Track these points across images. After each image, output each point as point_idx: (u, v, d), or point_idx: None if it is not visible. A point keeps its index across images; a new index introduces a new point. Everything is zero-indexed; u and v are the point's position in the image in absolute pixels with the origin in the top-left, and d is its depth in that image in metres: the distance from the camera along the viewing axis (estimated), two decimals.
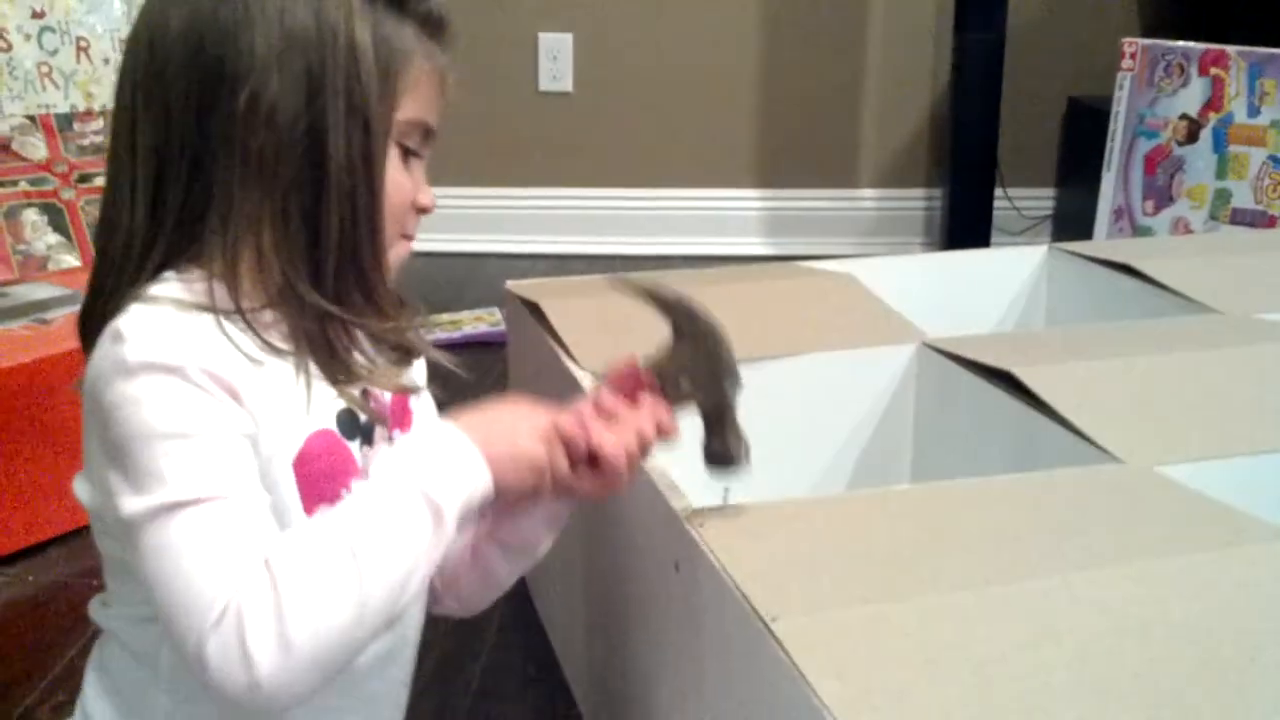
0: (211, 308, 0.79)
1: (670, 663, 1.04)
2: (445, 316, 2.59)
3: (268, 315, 0.81)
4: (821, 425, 1.46)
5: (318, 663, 0.72)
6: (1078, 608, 0.82)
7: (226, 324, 0.79)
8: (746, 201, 3.25)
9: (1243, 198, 2.46)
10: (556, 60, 3.18)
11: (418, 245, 3.08)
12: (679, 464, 1.08)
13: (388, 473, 0.78)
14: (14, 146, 2.23)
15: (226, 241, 0.80)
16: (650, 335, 1.46)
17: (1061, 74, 3.13)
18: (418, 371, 0.93)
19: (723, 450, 0.95)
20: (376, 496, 0.77)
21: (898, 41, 3.17)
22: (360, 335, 0.86)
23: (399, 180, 0.85)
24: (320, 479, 0.82)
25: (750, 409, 1.44)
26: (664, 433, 0.91)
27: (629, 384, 0.92)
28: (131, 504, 0.73)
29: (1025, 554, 0.91)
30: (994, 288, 1.81)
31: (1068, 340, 1.49)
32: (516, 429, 0.84)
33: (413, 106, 0.85)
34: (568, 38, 3.17)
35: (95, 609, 0.89)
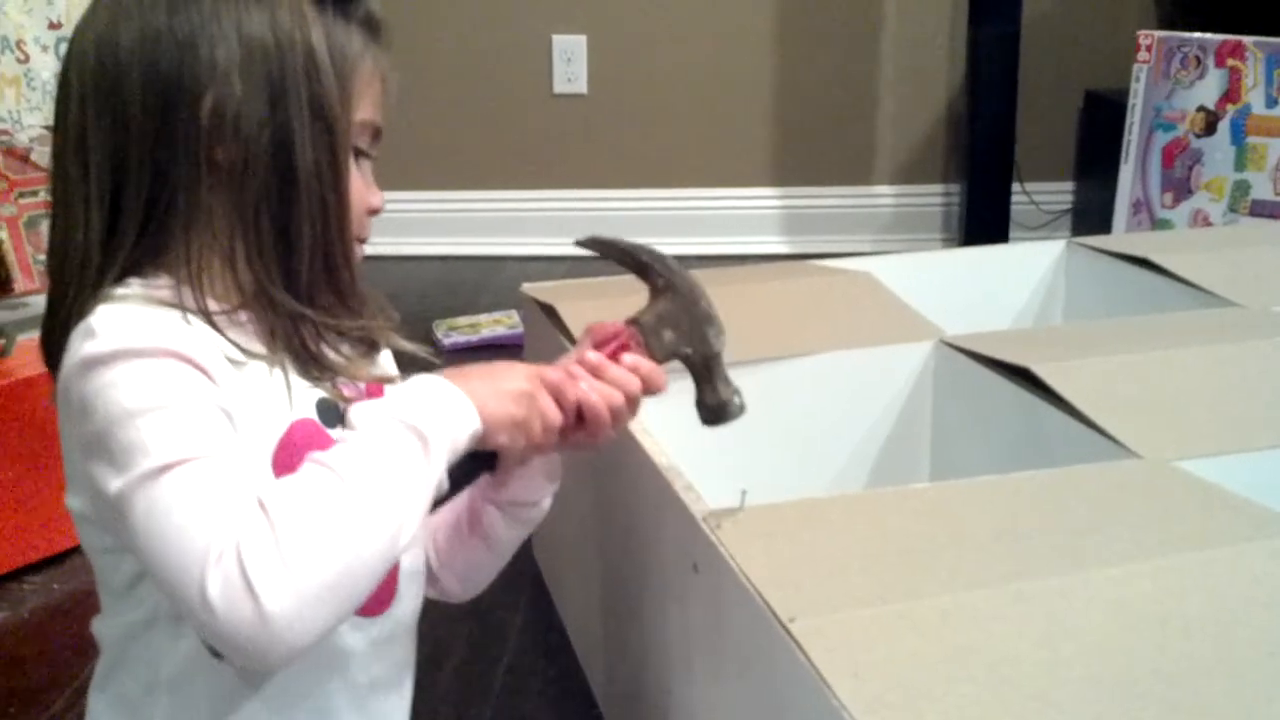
0: (179, 306, 0.79)
1: (689, 664, 1.04)
2: (463, 320, 2.60)
3: (241, 315, 0.82)
4: (840, 423, 1.46)
5: (324, 590, 0.71)
6: (1095, 605, 0.82)
7: (195, 321, 0.79)
8: (763, 200, 3.25)
9: (1262, 189, 2.44)
10: (571, 62, 3.19)
11: (436, 249, 3.12)
12: (695, 467, 1.08)
13: (370, 414, 0.78)
14: (33, 157, 2.24)
15: (192, 250, 0.81)
16: None
17: (1078, 67, 3.12)
18: (386, 362, 0.93)
19: (715, 401, 0.96)
20: (361, 432, 0.77)
21: (913, 37, 3.16)
22: (330, 333, 0.86)
23: (355, 181, 0.86)
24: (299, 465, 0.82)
25: (769, 408, 1.44)
26: (650, 386, 0.92)
27: (613, 341, 0.93)
28: (117, 480, 0.73)
29: (1042, 551, 0.91)
30: (1012, 283, 1.80)
31: (1085, 336, 1.49)
32: (499, 375, 0.85)
33: (364, 108, 0.86)
34: (582, 39, 3.18)
35: (95, 625, 0.89)
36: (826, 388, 1.43)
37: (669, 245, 3.49)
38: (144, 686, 0.84)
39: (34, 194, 2.24)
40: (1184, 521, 0.96)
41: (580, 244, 1.00)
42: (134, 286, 0.80)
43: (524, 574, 1.63)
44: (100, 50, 0.81)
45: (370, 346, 0.90)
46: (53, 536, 1.68)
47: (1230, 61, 2.46)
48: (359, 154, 0.87)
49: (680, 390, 1.37)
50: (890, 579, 0.87)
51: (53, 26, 2.25)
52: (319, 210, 0.82)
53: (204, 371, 0.77)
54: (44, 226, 2.24)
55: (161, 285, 0.81)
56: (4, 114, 2.23)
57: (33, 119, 2.24)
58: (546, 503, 0.97)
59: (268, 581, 0.69)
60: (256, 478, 0.76)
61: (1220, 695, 0.74)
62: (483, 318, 2.62)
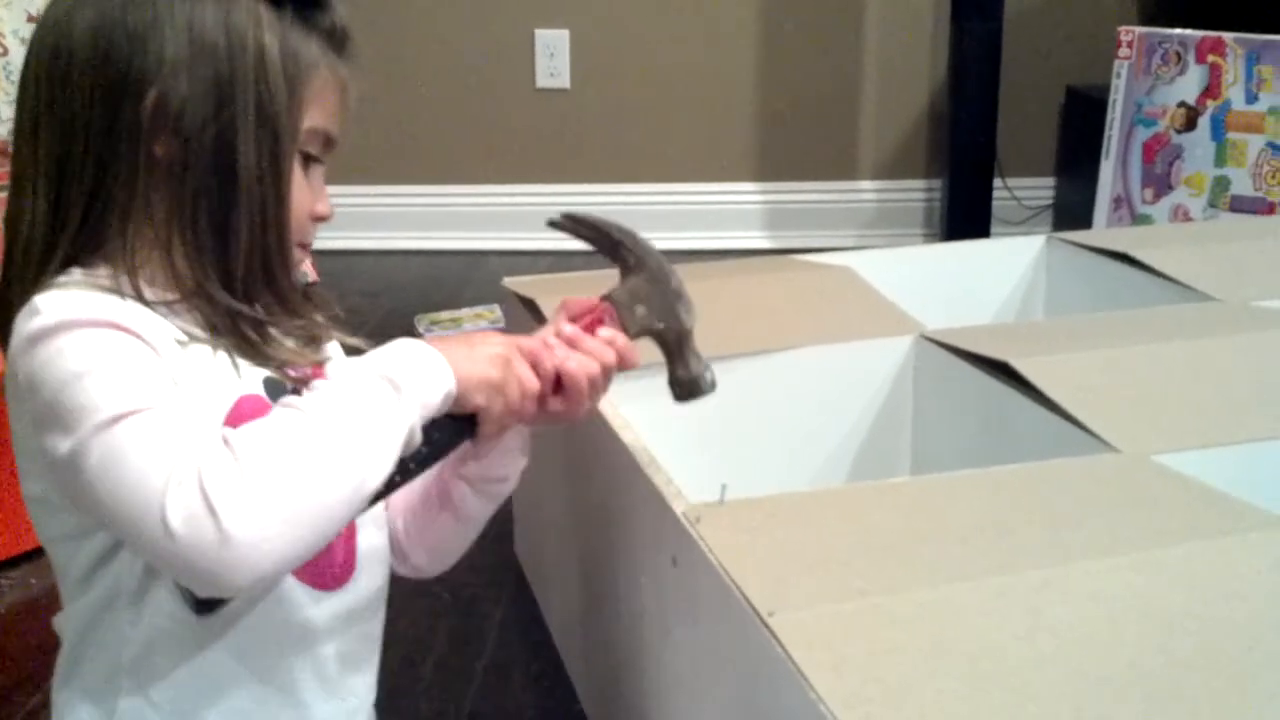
0: (119, 293, 0.79)
1: (669, 658, 1.04)
2: (445, 314, 2.60)
3: (181, 307, 0.82)
4: (820, 418, 1.46)
5: (287, 517, 0.70)
6: (1074, 598, 0.83)
7: (143, 308, 0.79)
8: (745, 195, 3.25)
9: (1242, 185, 2.45)
10: (553, 57, 3.18)
11: (419, 244, 3.11)
12: (675, 462, 1.08)
13: (344, 365, 0.79)
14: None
15: (130, 243, 0.81)
16: None
17: (1059, 63, 3.13)
18: (334, 351, 0.93)
19: (687, 376, 0.97)
20: (333, 379, 0.78)
21: (895, 33, 3.17)
22: (271, 330, 0.86)
23: (300, 187, 0.86)
24: None
25: (750, 402, 1.44)
26: (625, 360, 0.92)
27: (587, 315, 0.93)
28: (68, 441, 0.72)
29: (1022, 545, 0.91)
30: (993, 278, 1.81)
31: (1065, 330, 1.49)
32: (475, 341, 0.86)
33: (316, 115, 0.86)
34: (564, 34, 3.17)
35: (56, 621, 0.88)
36: (807, 382, 1.43)
37: (651, 240, 3.45)
38: (105, 675, 0.84)
39: None
40: (1163, 515, 0.97)
41: (552, 223, 1.02)
42: (76, 275, 0.80)
43: (505, 568, 1.63)
44: (56, 38, 0.81)
45: (313, 339, 0.89)
46: (31, 533, 1.66)
47: (1211, 57, 2.47)
48: (309, 159, 0.87)
49: (659, 385, 1.37)
50: (870, 573, 0.87)
51: (32, 19, 2.24)
52: (257, 212, 0.82)
53: (147, 343, 0.77)
54: None
55: (102, 275, 0.81)
56: None
57: (12, 113, 2.23)
58: (515, 478, 0.96)
59: (229, 503, 0.69)
60: (212, 426, 0.76)
61: (1200, 688, 0.74)
62: (465, 312, 2.62)
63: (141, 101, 0.79)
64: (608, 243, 0.98)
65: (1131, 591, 0.84)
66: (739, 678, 0.86)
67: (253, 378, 0.85)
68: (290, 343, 0.87)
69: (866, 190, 3.26)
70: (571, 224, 1.00)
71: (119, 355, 0.75)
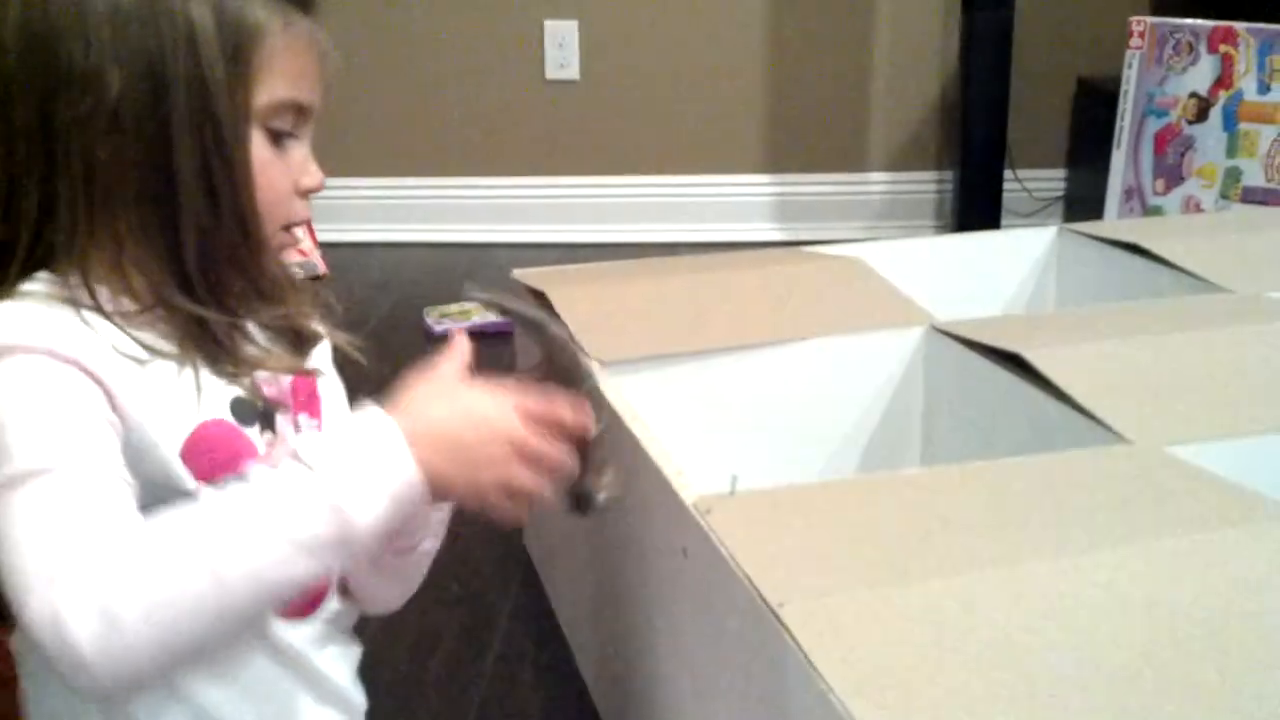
0: (79, 304, 0.75)
1: (679, 649, 1.04)
2: (454, 307, 2.59)
3: (149, 315, 0.77)
4: (831, 409, 1.46)
5: (152, 644, 0.66)
6: (1085, 589, 0.82)
7: (95, 319, 0.75)
8: (756, 187, 3.24)
9: (1253, 176, 2.44)
10: (563, 48, 3.17)
11: (427, 236, 3.10)
12: (685, 453, 1.08)
13: (294, 478, 0.70)
14: None
15: (82, 250, 0.76)
16: (658, 322, 1.46)
17: (1070, 54, 3.11)
18: (320, 355, 0.88)
19: (579, 489, 0.83)
20: (272, 494, 0.70)
21: (905, 23, 3.16)
22: (249, 325, 0.81)
23: (269, 167, 0.79)
24: (217, 468, 0.77)
25: (760, 393, 1.44)
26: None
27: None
28: None
29: (1033, 536, 0.91)
30: (1004, 270, 1.80)
31: (1076, 322, 1.49)
32: (473, 441, 0.75)
33: (276, 86, 0.78)
34: (573, 25, 3.16)
35: (13, 641, 0.82)
36: (817, 374, 1.43)
37: (660, 232, 3.46)
38: (69, 703, 0.78)
39: None
40: (1175, 506, 0.96)
41: (468, 297, 0.90)
42: (40, 283, 0.76)
43: (515, 560, 1.63)
44: None
45: (295, 336, 0.84)
46: None
47: (1222, 47, 2.45)
48: (281, 135, 0.80)
49: (670, 377, 1.37)
50: (880, 563, 0.87)
51: None
52: (206, 206, 0.76)
53: (86, 371, 0.72)
54: None
55: (69, 283, 0.76)
56: None
57: None
58: (436, 537, 0.88)
59: (85, 633, 0.64)
60: (111, 497, 0.70)
61: (1210, 679, 0.74)
62: (473, 305, 2.62)
63: (75, 99, 0.74)
64: (526, 326, 0.89)
65: (1143, 582, 0.83)
66: (749, 668, 0.86)
67: (219, 398, 0.79)
68: (266, 342, 0.81)
69: (877, 182, 3.25)
70: (488, 301, 0.91)
71: (39, 397, 0.71)
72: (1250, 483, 0.97)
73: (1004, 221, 2.95)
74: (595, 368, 1.26)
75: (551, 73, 3.19)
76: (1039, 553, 0.88)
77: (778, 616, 0.79)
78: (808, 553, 0.89)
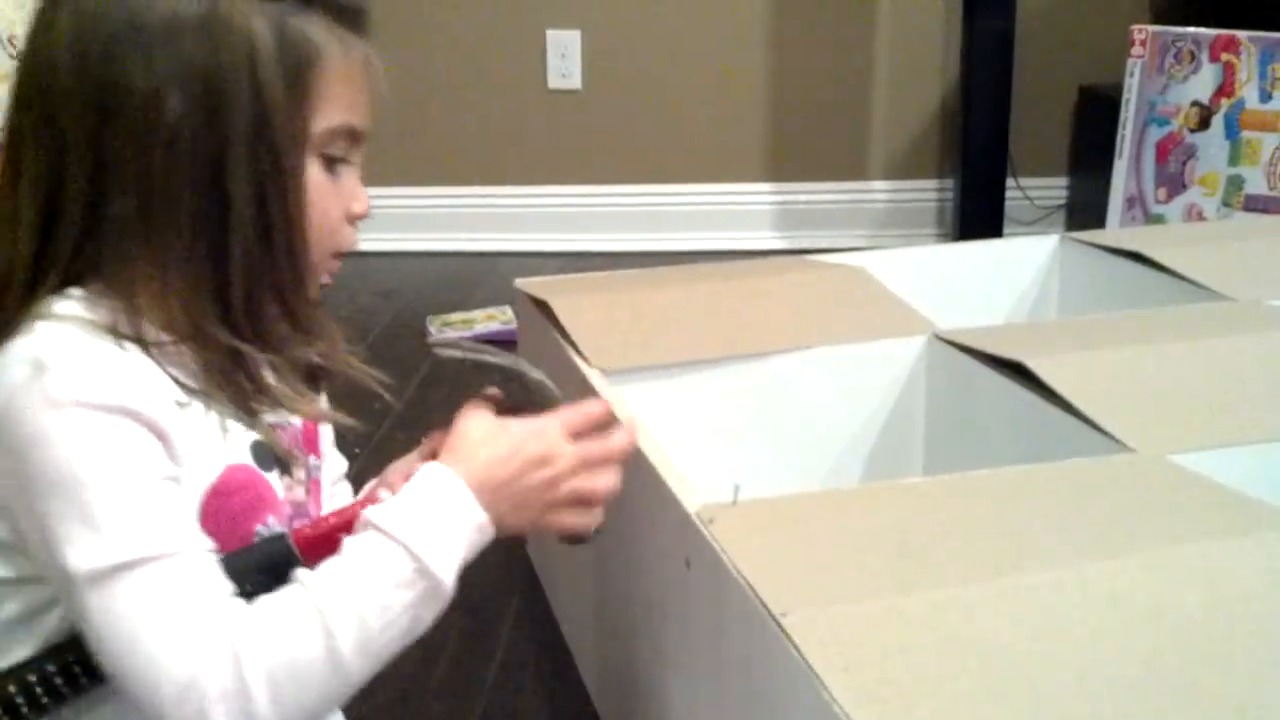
0: (119, 334, 0.73)
1: (682, 659, 1.04)
2: (457, 316, 2.59)
3: (174, 348, 0.75)
4: (833, 418, 1.46)
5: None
6: (1089, 598, 0.82)
7: (135, 352, 0.73)
8: (757, 196, 3.24)
9: (1256, 184, 2.44)
10: (565, 58, 3.18)
11: (431, 245, 3.11)
12: (688, 462, 1.08)
13: (379, 548, 0.73)
14: None
15: (125, 274, 0.74)
16: (660, 331, 1.46)
17: (1072, 62, 3.11)
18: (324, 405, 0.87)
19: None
20: (365, 565, 0.72)
21: (907, 32, 3.16)
22: (267, 366, 0.79)
23: (325, 195, 0.78)
24: (239, 514, 0.77)
25: (762, 403, 1.44)
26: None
27: None
28: (73, 557, 0.68)
29: (1036, 545, 0.91)
30: (1006, 278, 1.80)
31: (1078, 330, 1.48)
32: (530, 487, 0.79)
33: (333, 112, 0.77)
34: (576, 34, 3.17)
35: None
36: (820, 383, 1.43)
37: (663, 241, 3.45)
38: None
39: None
40: (1178, 515, 0.96)
41: (436, 349, 0.91)
42: (74, 303, 0.74)
43: (517, 567, 1.63)
44: (38, 51, 0.74)
45: (311, 379, 0.83)
46: None
47: (1224, 56, 2.46)
48: (333, 161, 0.79)
49: (672, 387, 1.37)
50: (883, 573, 0.87)
51: None
52: (257, 238, 0.74)
53: (159, 432, 0.71)
54: None
55: (101, 307, 0.74)
56: None
57: None
58: None
59: None
60: (220, 578, 0.71)
61: (1215, 688, 0.74)
62: (477, 313, 2.62)
63: (130, 120, 0.72)
64: (501, 374, 0.88)
65: (1146, 591, 0.83)
66: (752, 678, 0.86)
67: (241, 441, 0.78)
68: (284, 386, 0.80)
69: (878, 190, 3.25)
70: (457, 356, 0.90)
71: (132, 471, 0.69)
72: (1253, 491, 0.97)
73: (1006, 230, 2.95)
74: (596, 378, 1.26)
75: (554, 82, 3.20)
76: (1042, 562, 0.88)
77: (780, 626, 0.78)
78: (810, 562, 0.89)
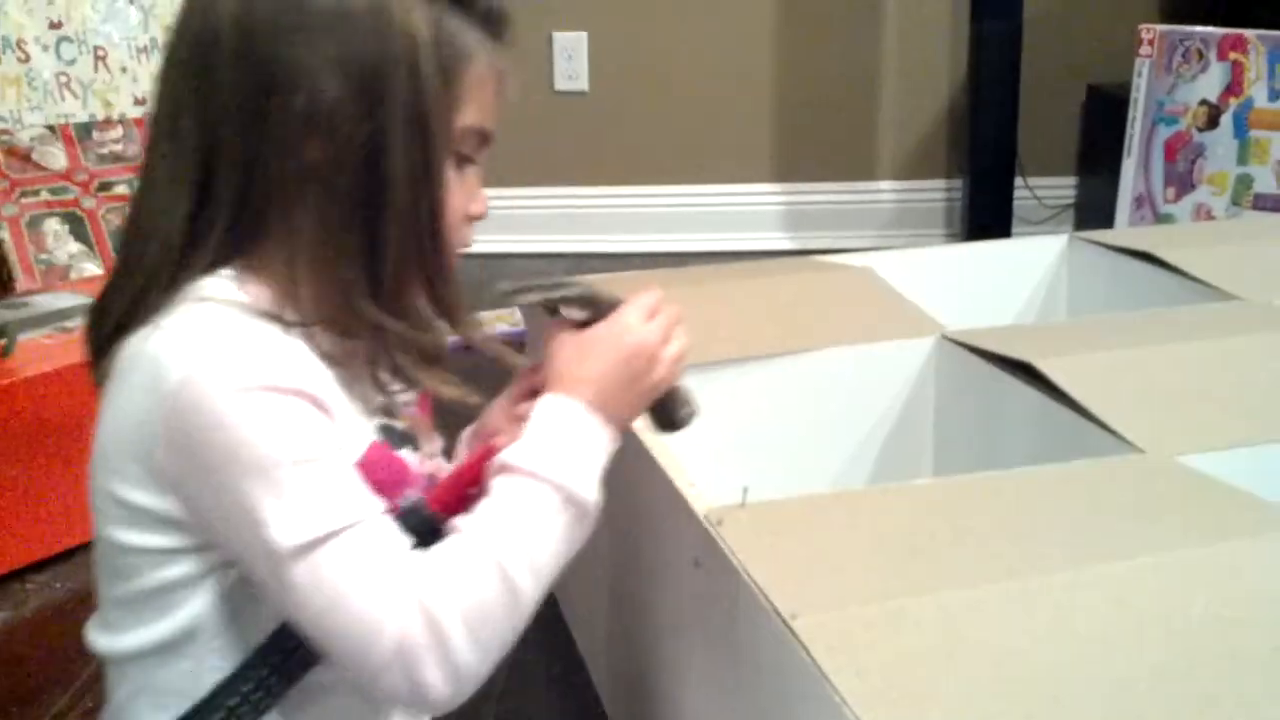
0: (271, 316, 0.76)
1: (692, 661, 1.04)
2: None
3: (316, 329, 0.78)
4: (842, 420, 1.46)
5: (483, 674, 0.75)
6: (1099, 601, 0.82)
7: (295, 335, 0.76)
8: (765, 196, 3.24)
9: (1265, 183, 2.44)
10: (571, 59, 3.18)
11: None
12: (697, 464, 1.08)
13: (522, 486, 0.78)
14: (34, 157, 2.24)
15: (280, 251, 0.77)
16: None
17: (1079, 62, 3.11)
18: None
19: (664, 415, 0.93)
20: (515, 506, 0.77)
21: (914, 32, 3.16)
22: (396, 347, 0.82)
23: (454, 191, 0.81)
24: (383, 487, 0.79)
25: (770, 404, 1.44)
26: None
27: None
28: (275, 534, 0.71)
29: (1046, 547, 0.91)
30: (1014, 278, 1.80)
31: (1087, 330, 1.48)
32: (637, 371, 0.85)
33: (471, 112, 0.80)
34: (583, 36, 3.17)
35: (96, 637, 0.82)
36: (828, 384, 1.43)
37: (670, 242, 3.44)
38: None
39: (35, 193, 2.24)
40: (1188, 516, 0.96)
41: (505, 293, 0.95)
42: (228, 284, 0.76)
43: None
44: (201, 24, 0.76)
45: (433, 358, 0.85)
46: (55, 535, 1.67)
47: (1232, 55, 2.45)
48: (462, 160, 0.82)
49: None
50: (893, 575, 0.86)
51: (53, 26, 2.25)
52: (410, 220, 0.77)
53: (325, 410, 0.74)
54: (45, 225, 2.24)
55: (250, 286, 0.77)
56: (5, 114, 2.23)
57: (34, 118, 2.24)
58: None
59: (435, 686, 0.72)
60: (403, 539, 0.75)
61: (1225, 691, 0.73)
62: (484, 315, 2.62)
63: (289, 100, 0.74)
64: (580, 299, 0.92)
65: (1157, 594, 0.83)
66: (762, 681, 0.86)
67: (372, 421, 0.83)
68: (414, 366, 0.83)
69: (886, 190, 3.25)
70: (525, 288, 0.94)
71: (317, 447, 0.73)
72: (1263, 492, 0.97)
73: (1015, 230, 2.95)
74: None
75: (560, 84, 3.20)
76: (1051, 564, 0.87)
77: (790, 628, 0.78)
78: (820, 564, 0.89)
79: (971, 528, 0.94)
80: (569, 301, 0.90)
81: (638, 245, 3.18)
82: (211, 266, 0.77)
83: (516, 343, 2.35)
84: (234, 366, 0.72)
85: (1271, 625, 0.80)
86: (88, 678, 1.43)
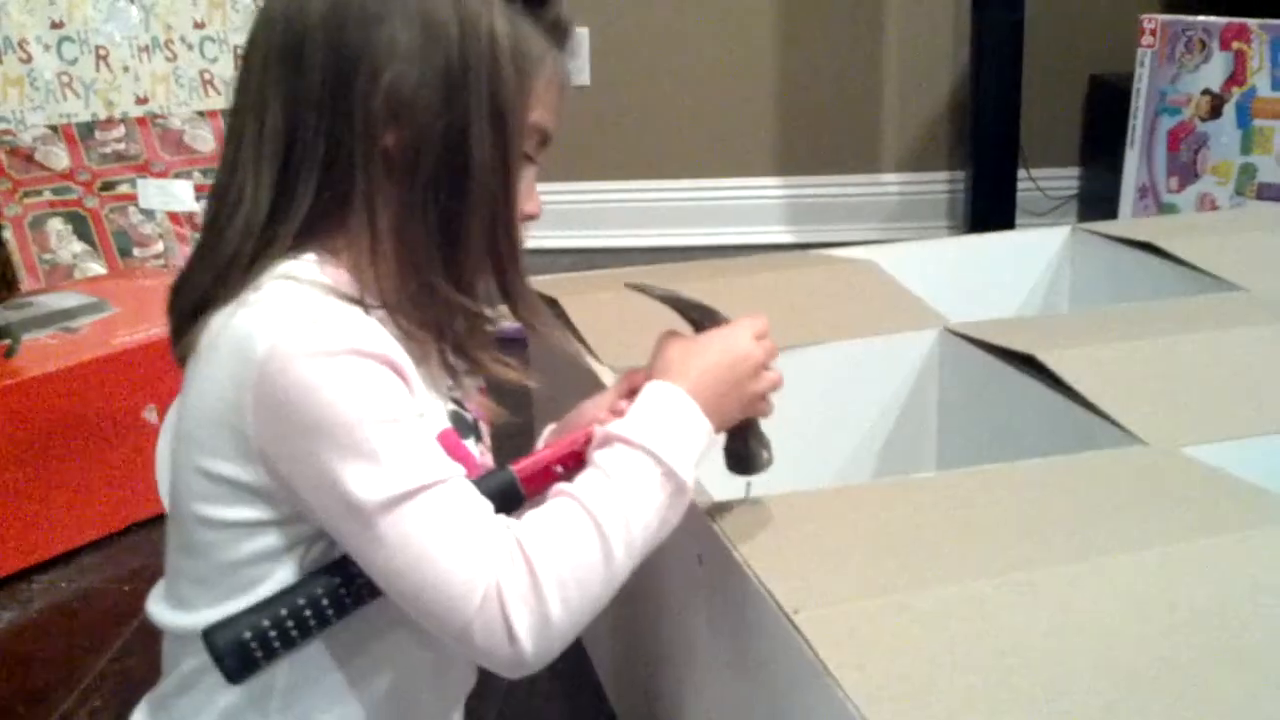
0: (352, 298, 0.79)
1: (696, 656, 1.04)
2: None
3: (387, 313, 0.81)
4: (845, 413, 1.46)
5: (567, 639, 0.75)
6: (1102, 593, 0.82)
7: (375, 316, 0.79)
8: (768, 190, 3.24)
9: (1268, 172, 2.43)
10: (574, 55, 3.18)
11: None
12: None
13: (625, 458, 0.80)
14: (37, 156, 2.24)
15: (361, 234, 0.80)
16: (671, 328, 1.45)
17: (1082, 52, 3.10)
18: None
19: (744, 450, 0.95)
20: (619, 472, 0.79)
21: (916, 24, 3.15)
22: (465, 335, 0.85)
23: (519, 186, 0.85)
24: None
25: (774, 399, 1.43)
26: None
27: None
28: (362, 490, 0.73)
29: (1049, 540, 0.91)
30: (1017, 270, 1.80)
31: (1090, 322, 1.48)
32: (740, 374, 0.88)
33: (539, 111, 0.84)
34: (584, 31, 3.17)
35: (162, 611, 0.85)
36: (832, 377, 1.43)
37: (674, 237, 3.43)
38: (249, 696, 0.81)
39: (38, 194, 2.24)
40: (1192, 508, 0.96)
41: (629, 285, 1.01)
42: (307, 264, 0.79)
43: None
44: (288, 13, 0.80)
45: (497, 343, 0.88)
46: (60, 536, 1.68)
47: (1235, 44, 2.44)
48: (525, 158, 0.85)
49: None
50: (896, 569, 0.86)
51: (55, 26, 2.25)
52: (487, 207, 0.81)
53: (408, 384, 0.77)
54: (48, 225, 2.25)
55: (329, 265, 0.80)
56: (7, 114, 2.23)
57: (36, 118, 2.24)
58: None
59: (528, 635, 0.73)
60: (486, 502, 0.77)
61: (1228, 683, 0.73)
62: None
63: (374, 87, 0.78)
64: (684, 308, 0.97)
65: (1160, 586, 0.83)
66: (765, 675, 0.86)
67: (442, 409, 0.85)
68: (480, 350, 0.86)
69: (890, 183, 3.24)
70: (647, 290, 0.99)
71: (401, 409, 0.75)
72: (1268, 483, 0.97)
73: (1018, 221, 2.94)
74: (607, 376, 1.26)
75: None
76: (1055, 556, 0.87)
77: (793, 623, 0.78)
78: (823, 558, 0.89)
79: (974, 521, 0.94)
80: (684, 306, 0.95)
81: (640, 240, 3.18)
82: (292, 249, 0.80)
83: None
84: (319, 333, 0.75)
85: (1275, 616, 0.80)
86: (94, 677, 1.43)
